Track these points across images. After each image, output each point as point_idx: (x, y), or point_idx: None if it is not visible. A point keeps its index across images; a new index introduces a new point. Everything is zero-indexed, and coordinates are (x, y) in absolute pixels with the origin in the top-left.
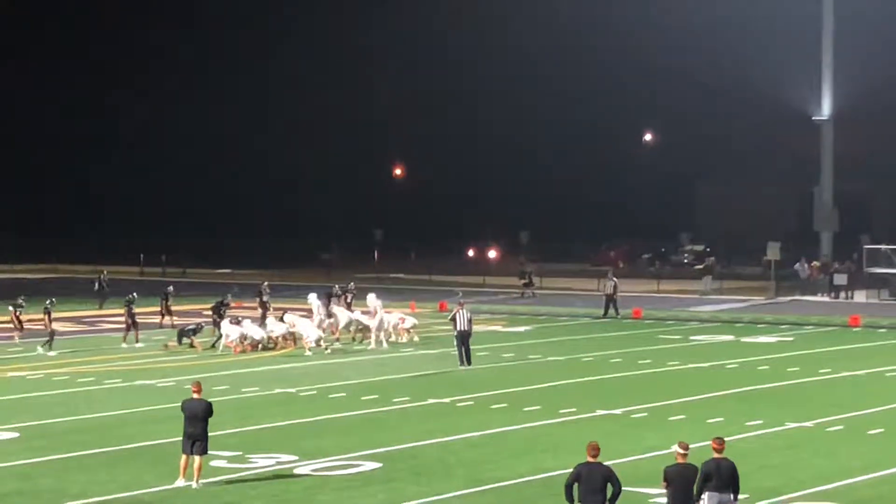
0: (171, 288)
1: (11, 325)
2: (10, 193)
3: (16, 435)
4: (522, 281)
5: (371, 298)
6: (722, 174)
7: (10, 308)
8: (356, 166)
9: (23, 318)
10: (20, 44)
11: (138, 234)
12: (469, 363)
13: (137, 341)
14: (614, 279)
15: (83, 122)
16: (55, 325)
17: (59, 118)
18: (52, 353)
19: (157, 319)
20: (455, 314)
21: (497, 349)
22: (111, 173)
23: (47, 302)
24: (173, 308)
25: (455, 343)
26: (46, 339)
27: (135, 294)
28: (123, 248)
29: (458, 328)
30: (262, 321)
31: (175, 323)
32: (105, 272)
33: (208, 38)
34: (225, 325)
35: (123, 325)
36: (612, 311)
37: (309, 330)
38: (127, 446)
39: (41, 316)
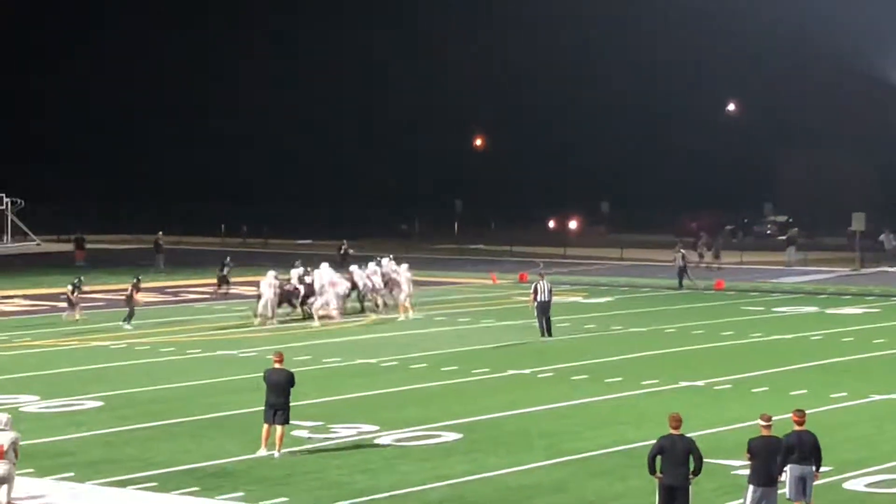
0: (228, 258)
1: (69, 302)
2: (94, 164)
3: (100, 404)
4: None
5: (395, 266)
6: (805, 144)
7: (69, 286)
8: (437, 137)
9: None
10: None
11: (219, 204)
12: (550, 334)
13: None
14: (682, 251)
15: (166, 94)
16: (139, 297)
17: (144, 91)
18: (127, 327)
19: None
20: (536, 285)
21: (578, 320)
22: (191, 144)
23: (135, 279)
24: (231, 279)
25: (535, 314)
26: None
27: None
28: (203, 218)
29: (539, 299)
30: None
31: (229, 293)
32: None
33: (296, 7)
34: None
35: (210, 295)
36: (686, 281)
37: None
38: (210, 416)
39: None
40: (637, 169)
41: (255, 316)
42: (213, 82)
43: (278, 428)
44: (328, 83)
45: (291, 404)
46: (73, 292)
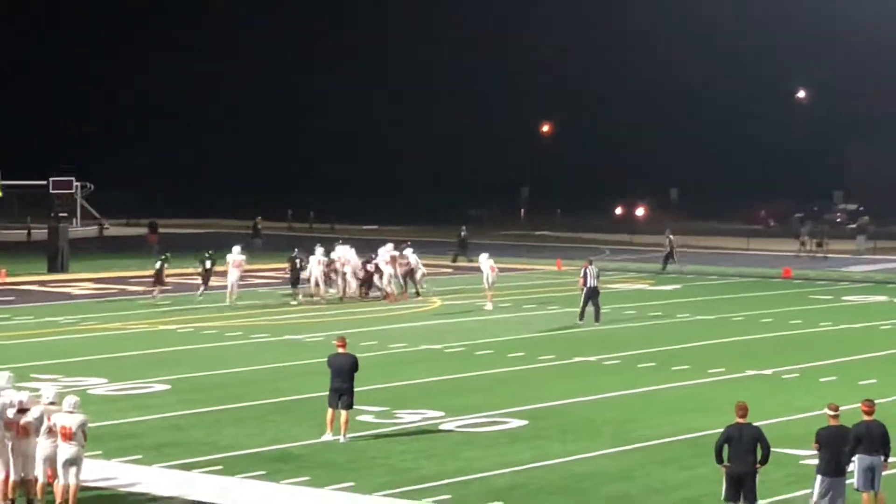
0: (297, 250)
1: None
2: (162, 150)
3: (167, 387)
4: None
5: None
6: (875, 132)
7: (199, 263)
8: (503, 123)
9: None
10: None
11: (287, 190)
12: (598, 320)
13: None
14: (671, 237)
15: (240, 91)
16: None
17: (217, 80)
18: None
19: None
20: (585, 270)
21: (644, 308)
22: (262, 133)
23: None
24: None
25: (581, 299)
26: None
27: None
28: (272, 203)
29: (588, 284)
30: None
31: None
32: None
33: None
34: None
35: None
36: (671, 265)
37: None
38: (275, 400)
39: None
40: (706, 157)
41: (304, 296)
42: (288, 73)
43: (343, 412)
44: (393, 72)
45: (356, 389)
46: (204, 268)
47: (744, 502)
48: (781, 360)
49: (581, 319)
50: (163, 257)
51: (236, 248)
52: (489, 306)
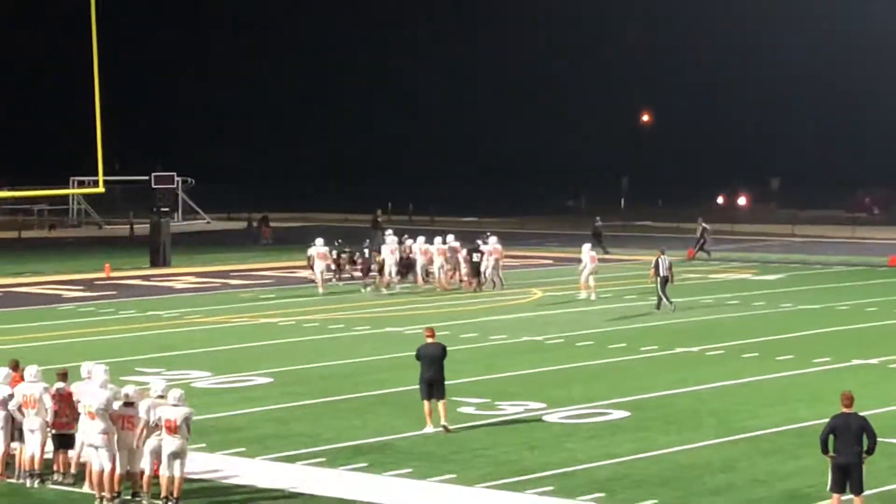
0: (367, 241)
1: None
2: (260, 145)
3: (270, 380)
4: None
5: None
6: None
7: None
8: (603, 113)
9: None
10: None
11: (385, 182)
12: (659, 308)
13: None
14: (704, 224)
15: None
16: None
17: (317, 75)
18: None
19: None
20: (657, 260)
21: (748, 297)
22: (359, 126)
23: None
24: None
25: (659, 289)
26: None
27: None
28: (369, 196)
29: (661, 274)
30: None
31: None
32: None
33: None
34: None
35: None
36: (700, 253)
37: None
38: (377, 392)
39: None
40: (807, 144)
41: (379, 286)
42: (389, 68)
43: (439, 404)
44: (498, 62)
45: (457, 381)
46: (339, 257)
47: (850, 493)
48: (888, 349)
49: (659, 308)
50: (337, 243)
51: (319, 241)
52: (593, 296)
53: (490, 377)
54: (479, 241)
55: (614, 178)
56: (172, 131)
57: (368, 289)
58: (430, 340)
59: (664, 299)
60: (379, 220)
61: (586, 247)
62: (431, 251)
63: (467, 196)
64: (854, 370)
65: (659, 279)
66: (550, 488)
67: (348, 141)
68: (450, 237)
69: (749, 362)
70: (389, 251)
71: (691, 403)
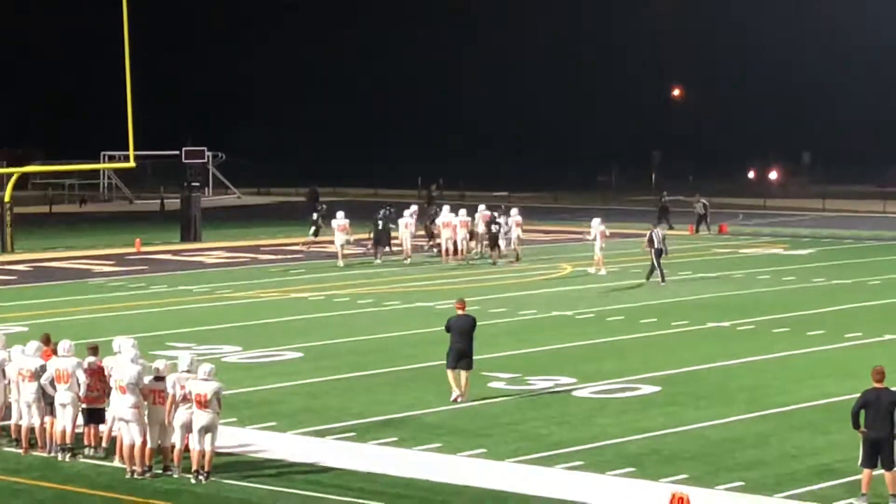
0: (382, 211)
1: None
2: (290, 120)
3: (300, 355)
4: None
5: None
6: None
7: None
8: (635, 88)
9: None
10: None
11: (416, 158)
12: (648, 278)
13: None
14: (703, 200)
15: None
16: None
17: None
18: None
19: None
20: (651, 234)
21: (778, 272)
22: (394, 102)
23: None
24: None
25: (654, 261)
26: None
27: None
28: (401, 171)
29: (656, 246)
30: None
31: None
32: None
33: None
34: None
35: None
36: (702, 231)
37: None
38: (407, 367)
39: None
40: (839, 119)
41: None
42: (422, 48)
43: (463, 373)
44: (533, 41)
45: (486, 356)
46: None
47: (882, 468)
48: None
49: (648, 279)
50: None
51: (340, 214)
52: (603, 271)
53: (520, 352)
54: (495, 213)
55: (646, 153)
56: (203, 107)
57: (380, 258)
58: (460, 312)
59: (657, 269)
60: (433, 195)
61: (596, 221)
62: (454, 223)
63: (499, 171)
64: (886, 345)
65: (653, 251)
66: (580, 463)
67: (380, 115)
68: (481, 207)
69: (780, 337)
70: (404, 225)
71: (722, 378)
